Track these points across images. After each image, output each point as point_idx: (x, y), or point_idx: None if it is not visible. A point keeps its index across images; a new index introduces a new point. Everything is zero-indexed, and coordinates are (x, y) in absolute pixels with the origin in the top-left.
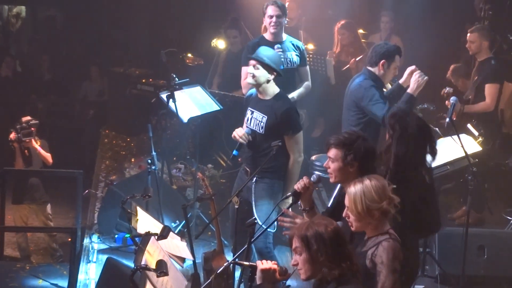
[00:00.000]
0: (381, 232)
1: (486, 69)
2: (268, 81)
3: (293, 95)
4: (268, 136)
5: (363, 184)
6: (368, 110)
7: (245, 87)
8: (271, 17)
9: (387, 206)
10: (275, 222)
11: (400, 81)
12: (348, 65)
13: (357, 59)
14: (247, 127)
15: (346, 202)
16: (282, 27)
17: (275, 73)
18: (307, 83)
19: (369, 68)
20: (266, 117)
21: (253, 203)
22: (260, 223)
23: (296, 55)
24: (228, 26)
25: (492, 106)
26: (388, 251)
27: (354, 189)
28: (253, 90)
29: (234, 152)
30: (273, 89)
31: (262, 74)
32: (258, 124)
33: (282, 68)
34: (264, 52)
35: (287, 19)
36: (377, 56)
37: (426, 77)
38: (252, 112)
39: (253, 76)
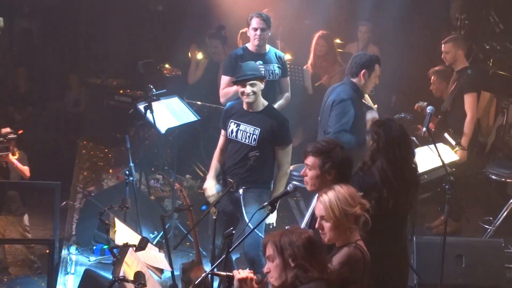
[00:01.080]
0: (349, 242)
1: (463, 79)
2: (260, 91)
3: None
4: (259, 148)
5: (335, 190)
6: (331, 129)
7: (224, 96)
8: (256, 29)
9: (360, 211)
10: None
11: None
12: (320, 81)
13: (330, 75)
14: (229, 138)
15: (320, 212)
16: (266, 39)
17: (264, 80)
18: (287, 95)
19: (351, 78)
20: (259, 129)
21: (244, 212)
22: (255, 229)
23: (278, 66)
24: (211, 35)
25: (475, 117)
26: (343, 255)
27: (327, 196)
28: (232, 102)
29: (203, 207)
30: (262, 101)
31: (259, 87)
32: (249, 137)
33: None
34: (249, 66)
35: (269, 30)
36: (357, 67)
37: None
38: (238, 125)
39: (254, 93)
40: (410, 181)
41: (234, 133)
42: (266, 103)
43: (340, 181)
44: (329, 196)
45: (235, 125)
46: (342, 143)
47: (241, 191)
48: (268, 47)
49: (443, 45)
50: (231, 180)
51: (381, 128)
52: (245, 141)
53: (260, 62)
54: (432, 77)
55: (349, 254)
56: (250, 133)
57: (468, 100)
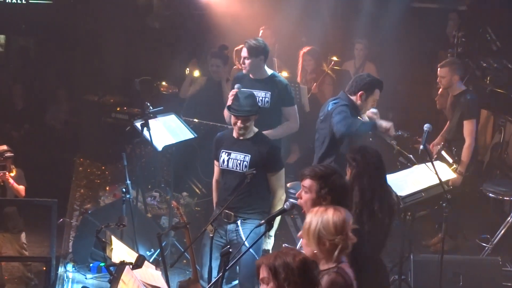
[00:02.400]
0: (331, 266)
1: (463, 106)
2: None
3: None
4: (253, 178)
5: (326, 211)
6: (332, 121)
7: (227, 117)
8: (242, 58)
9: (339, 241)
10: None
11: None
12: (311, 92)
13: (318, 82)
14: (221, 169)
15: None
16: (255, 66)
17: (257, 114)
18: (288, 123)
19: (348, 94)
20: (250, 155)
21: (244, 239)
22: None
23: (272, 95)
24: (213, 54)
25: (473, 144)
26: (325, 285)
27: (314, 212)
28: (222, 132)
29: None
30: (253, 129)
31: (252, 122)
32: (239, 164)
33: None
34: (247, 101)
35: (258, 58)
36: (357, 86)
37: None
38: (229, 154)
39: (246, 128)
40: (388, 208)
41: (226, 162)
42: (256, 130)
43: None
44: (316, 213)
45: (226, 154)
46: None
47: (239, 222)
48: (270, 71)
49: (439, 69)
50: (228, 212)
51: (358, 154)
52: (236, 168)
53: (239, 85)
54: (440, 89)
55: (331, 282)
56: (240, 160)
57: (468, 127)
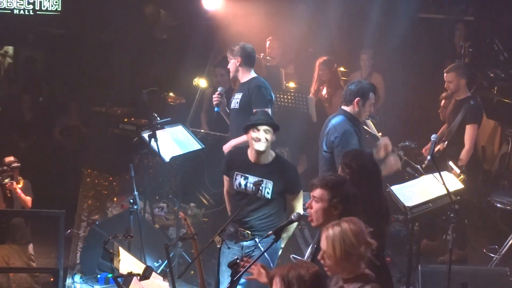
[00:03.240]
0: (357, 274)
1: (466, 110)
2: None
3: None
4: (273, 200)
5: (341, 227)
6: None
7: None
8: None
9: (364, 251)
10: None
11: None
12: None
13: (327, 90)
14: (236, 190)
15: (323, 245)
16: (233, 70)
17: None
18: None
19: (344, 107)
20: (272, 182)
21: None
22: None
23: (242, 95)
24: (217, 63)
25: (472, 149)
26: None
27: (332, 233)
28: (231, 151)
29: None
30: (271, 152)
31: (271, 138)
32: (260, 190)
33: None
34: (264, 113)
35: (235, 59)
36: (351, 95)
37: (399, 165)
38: (246, 178)
39: (266, 141)
40: (384, 213)
41: (243, 186)
42: (274, 154)
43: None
44: (335, 233)
45: (243, 178)
46: None
47: (257, 239)
48: (248, 77)
49: (445, 74)
50: (245, 231)
51: (351, 160)
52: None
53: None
54: (443, 102)
55: None
56: (262, 186)
57: (469, 131)
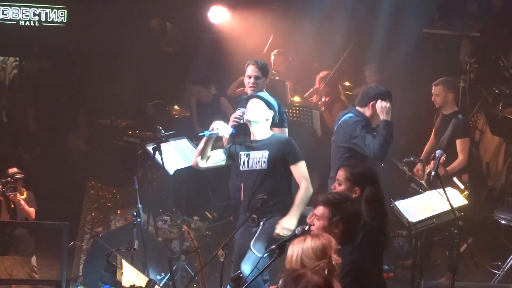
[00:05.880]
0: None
1: (455, 124)
2: (266, 120)
3: None
4: (271, 171)
5: (304, 240)
6: (360, 145)
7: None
8: (250, 77)
9: (325, 265)
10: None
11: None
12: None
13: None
14: (242, 171)
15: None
16: (260, 87)
17: (272, 112)
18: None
19: (358, 108)
20: (268, 151)
21: (251, 246)
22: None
23: None
24: (194, 81)
25: (466, 160)
26: None
27: (294, 243)
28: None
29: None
30: (268, 130)
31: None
32: (258, 162)
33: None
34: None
35: (267, 78)
36: (368, 97)
37: (388, 104)
38: (248, 155)
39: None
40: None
41: (246, 163)
42: (271, 132)
43: (347, 236)
44: (295, 246)
45: (245, 155)
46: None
47: (261, 223)
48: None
49: (433, 88)
50: (253, 215)
51: (364, 179)
52: (255, 167)
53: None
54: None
55: None
56: (259, 157)
57: (462, 145)
